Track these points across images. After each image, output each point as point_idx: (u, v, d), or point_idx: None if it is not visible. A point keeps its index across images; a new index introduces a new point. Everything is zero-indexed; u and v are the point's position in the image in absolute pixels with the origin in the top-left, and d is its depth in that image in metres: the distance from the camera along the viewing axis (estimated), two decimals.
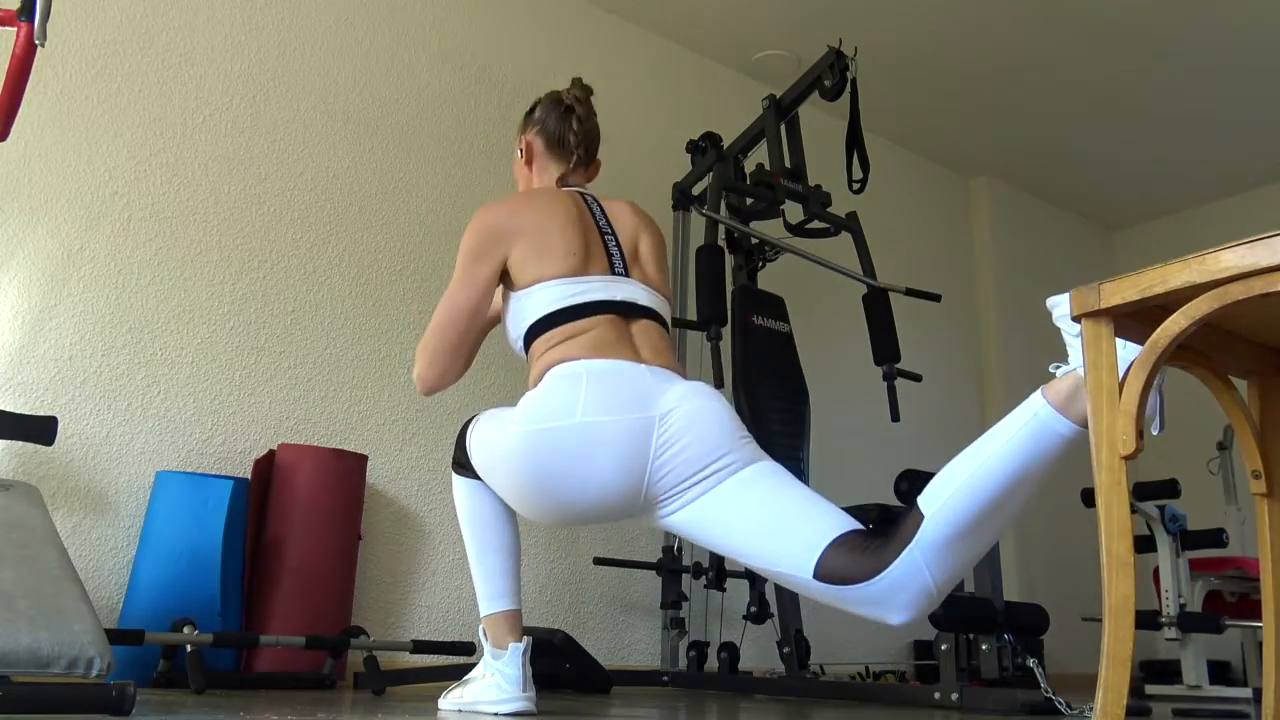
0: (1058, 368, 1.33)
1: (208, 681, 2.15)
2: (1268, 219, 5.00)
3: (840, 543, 1.44)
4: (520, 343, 1.79)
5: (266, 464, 2.65)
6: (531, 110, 2.01)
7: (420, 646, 2.59)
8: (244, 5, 3.05)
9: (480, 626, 1.84)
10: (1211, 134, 4.69)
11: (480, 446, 1.75)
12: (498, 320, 1.93)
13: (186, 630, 2.19)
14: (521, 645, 1.75)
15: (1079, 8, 3.81)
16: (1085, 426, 1.25)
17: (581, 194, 1.91)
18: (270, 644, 2.35)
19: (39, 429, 2.18)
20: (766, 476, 1.58)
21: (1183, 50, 4.05)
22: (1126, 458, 1.07)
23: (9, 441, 2.33)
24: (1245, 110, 4.48)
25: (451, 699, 1.84)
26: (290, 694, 2.21)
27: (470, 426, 1.85)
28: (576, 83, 2.01)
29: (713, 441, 1.59)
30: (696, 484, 1.59)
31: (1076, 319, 1.14)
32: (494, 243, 1.77)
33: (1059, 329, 1.30)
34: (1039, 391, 1.32)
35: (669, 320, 1.85)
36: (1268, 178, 5.09)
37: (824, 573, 1.43)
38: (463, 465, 1.86)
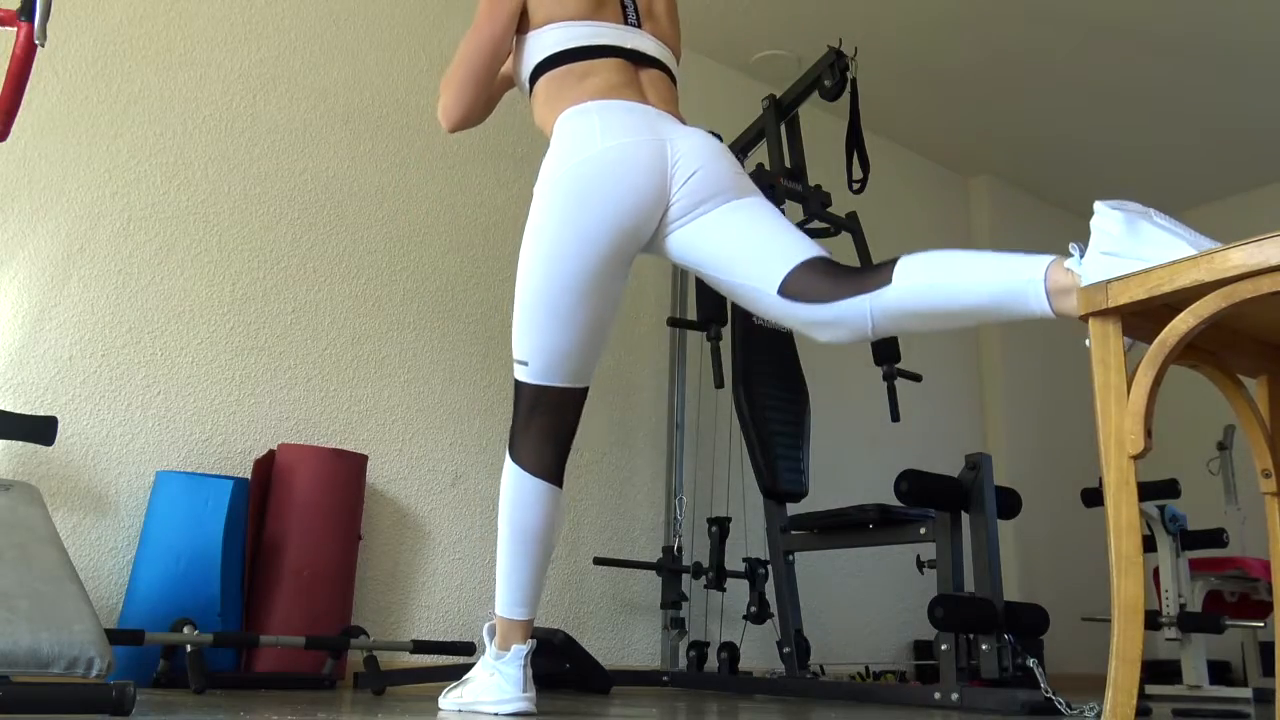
0: (1078, 248, 1.31)
1: (208, 681, 2.15)
2: (1268, 219, 5.01)
3: (808, 265, 1.62)
4: (527, 82, 1.85)
5: (266, 464, 2.65)
6: None
7: (420, 646, 2.59)
8: (244, 5, 3.05)
9: (486, 625, 1.84)
10: (1211, 134, 4.69)
11: (524, 254, 1.78)
12: (512, 84, 2.00)
13: (186, 630, 2.19)
14: (525, 646, 1.75)
15: (1079, 8, 3.81)
16: (1058, 317, 1.32)
17: None
18: (270, 644, 2.35)
19: (39, 429, 2.18)
20: (757, 207, 1.74)
21: (1183, 50, 4.05)
22: (1135, 457, 1.06)
23: (9, 441, 2.33)
24: (1245, 110, 4.48)
25: (451, 699, 1.84)
26: (290, 694, 2.21)
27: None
28: None
29: (719, 170, 1.75)
30: (701, 204, 1.73)
31: (1084, 318, 1.14)
32: None
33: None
34: (1045, 266, 1.34)
35: (676, 75, 1.92)
36: (1268, 178, 5.09)
37: (787, 289, 1.60)
38: (520, 451, 1.78)
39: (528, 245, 1.76)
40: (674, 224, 1.75)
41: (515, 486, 1.77)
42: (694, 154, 1.74)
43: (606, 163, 1.69)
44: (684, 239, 1.75)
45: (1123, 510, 1.06)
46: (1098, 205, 1.28)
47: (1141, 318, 1.12)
